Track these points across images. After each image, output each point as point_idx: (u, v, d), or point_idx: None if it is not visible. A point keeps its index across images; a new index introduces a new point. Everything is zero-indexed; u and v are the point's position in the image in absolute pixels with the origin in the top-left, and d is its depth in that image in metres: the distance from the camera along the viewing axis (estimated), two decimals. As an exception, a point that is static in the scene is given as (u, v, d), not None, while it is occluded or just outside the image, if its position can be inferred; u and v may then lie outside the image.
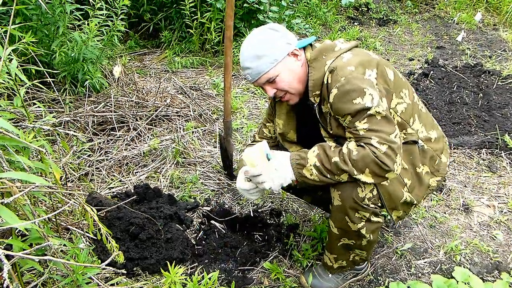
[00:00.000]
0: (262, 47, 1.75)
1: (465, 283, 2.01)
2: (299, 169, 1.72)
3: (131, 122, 3.30)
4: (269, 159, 1.79)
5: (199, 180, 2.87)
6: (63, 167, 2.66)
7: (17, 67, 1.54)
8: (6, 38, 1.54)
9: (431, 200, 2.77)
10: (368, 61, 1.71)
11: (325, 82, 1.72)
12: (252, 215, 2.57)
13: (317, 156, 1.69)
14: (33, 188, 1.21)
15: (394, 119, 1.72)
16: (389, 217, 1.83)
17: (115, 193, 2.65)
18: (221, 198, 2.75)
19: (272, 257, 2.30)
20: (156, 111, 3.46)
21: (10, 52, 1.54)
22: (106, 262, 1.23)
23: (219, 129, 3.43)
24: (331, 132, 1.79)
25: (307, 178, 1.72)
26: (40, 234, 1.34)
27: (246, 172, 1.81)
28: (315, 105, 1.80)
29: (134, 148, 3.11)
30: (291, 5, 5.41)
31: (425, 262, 2.31)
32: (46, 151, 1.74)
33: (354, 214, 1.74)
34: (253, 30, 1.86)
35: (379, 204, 1.75)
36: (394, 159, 1.60)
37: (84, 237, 2.13)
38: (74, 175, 2.74)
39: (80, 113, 3.24)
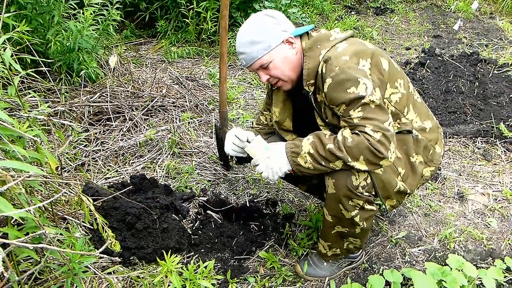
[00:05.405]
0: (258, 33, 1.77)
1: (459, 270, 2.04)
2: (294, 157, 1.73)
3: (127, 113, 3.29)
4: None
5: (195, 170, 2.87)
6: (58, 157, 2.66)
7: (11, 56, 1.53)
8: (-1, 27, 1.53)
9: (426, 189, 2.79)
10: (363, 51, 1.71)
11: (320, 71, 1.72)
12: (248, 205, 2.58)
13: (312, 144, 1.70)
14: (27, 177, 1.21)
15: (388, 109, 1.73)
16: (383, 206, 1.84)
17: (111, 183, 2.66)
18: (217, 188, 2.76)
19: (268, 246, 2.32)
20: (152, 101, 3.45)
21: (5, 41, 1.53)
22: (101, 249, 1.24)
23: (215, 119, 3.43)
24: (326, 120, 1.79)
25: (302, 166, 1.73)
26: (35, 223, 1.34)
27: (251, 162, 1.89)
28: (310, 94, 1.80)
29: (130, 139, 3.10)
30: (288, -6, 5.36)
31: (419, 250, 2.33)
32: (42, 141, 1.74)
33: (348, 202, 1.75)
34: (251, 16, 1.86)
35: (373, 193, 1.76)
36: (388, 147, 1.61)
37: (80, 227, 2.14)
38: (71, 165, 2.74)
39: (76, 103, 3.23)
